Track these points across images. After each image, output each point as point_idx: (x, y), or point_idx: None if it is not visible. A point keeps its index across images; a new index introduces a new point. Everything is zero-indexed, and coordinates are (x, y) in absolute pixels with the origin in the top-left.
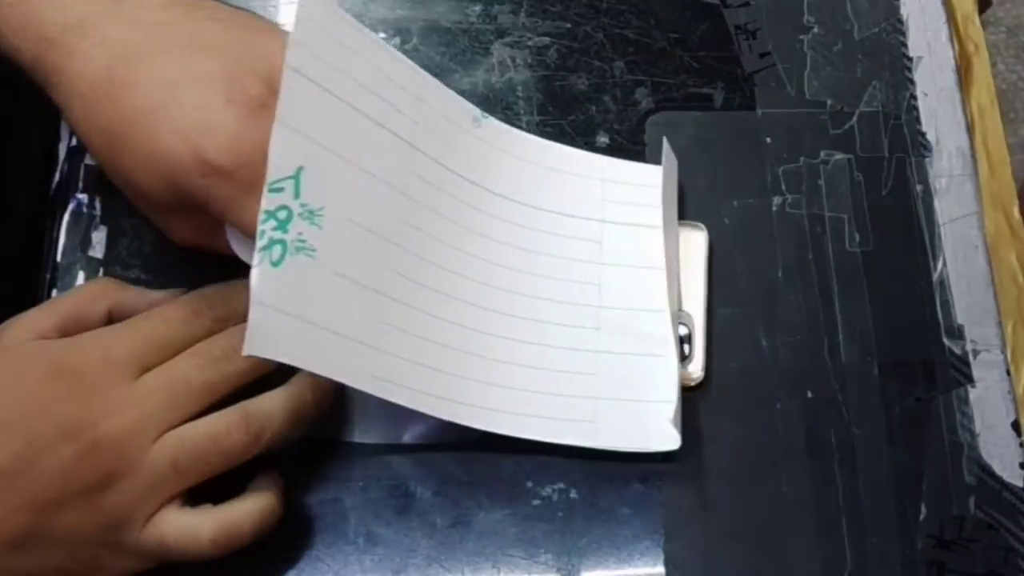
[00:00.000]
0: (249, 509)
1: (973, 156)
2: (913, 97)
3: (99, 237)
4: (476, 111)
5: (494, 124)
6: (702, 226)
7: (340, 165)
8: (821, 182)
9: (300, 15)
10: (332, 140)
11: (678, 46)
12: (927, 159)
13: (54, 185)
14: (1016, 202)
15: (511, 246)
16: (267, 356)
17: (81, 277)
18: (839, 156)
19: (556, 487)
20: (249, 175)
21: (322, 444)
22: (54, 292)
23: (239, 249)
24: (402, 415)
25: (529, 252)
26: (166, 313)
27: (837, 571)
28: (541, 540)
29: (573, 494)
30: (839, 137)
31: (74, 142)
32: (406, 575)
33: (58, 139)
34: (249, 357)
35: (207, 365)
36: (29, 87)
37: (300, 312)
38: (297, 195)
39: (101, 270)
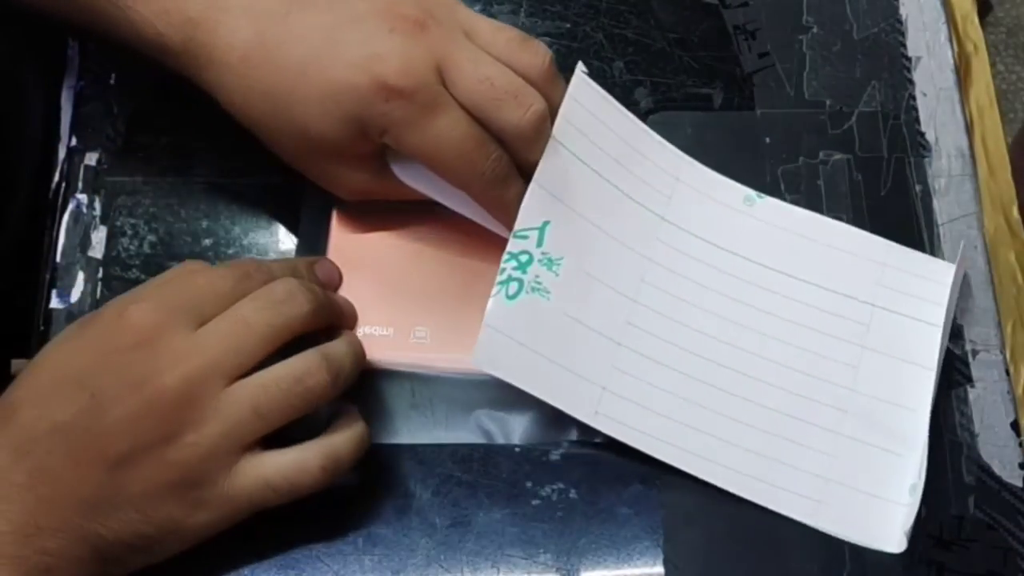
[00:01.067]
0: (347, 436)
1: (972, 156)
2: (912, 97)
3: (99, 237)
4: (749, 192)
5: (770, 202)
6: None
7: (585, 226)
8: (820, 182)
9: (571, 94)
10: (580, 204)
11: (677, 46)
12: (926, 159)
13: (53, 185)
14: (1015, 202)
15: (768, 313)
16: (490, 371)
17: (80, 277)
18: (838, 156)
19: (555, 487)
20: (426, 96)
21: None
22: (54, 292)
23: (408, 177)
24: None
25: (787, 321)
26: (219, 270)
27: (836, 571)
28: (540, 540)
29: (572, 494)
30: (838, 137)
31: (74, 142)
32: (405, 575)
33: (58, 139)
34: (311, 300)
35: (267, 307)
36: (29, 88)
37: (527, 341)
38: (540, 244)
39: (101, 270)
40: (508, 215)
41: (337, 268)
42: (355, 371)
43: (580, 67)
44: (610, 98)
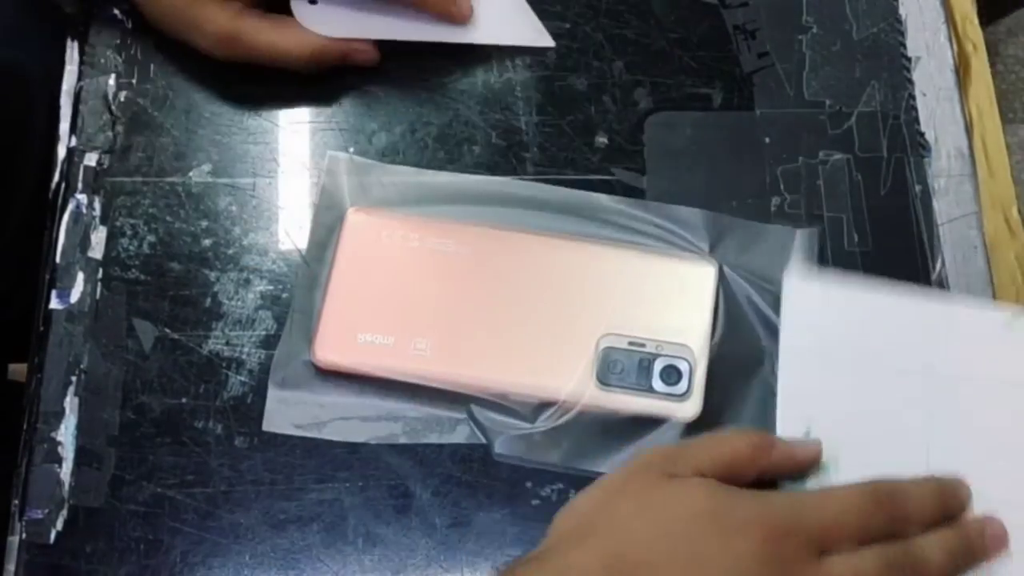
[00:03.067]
0: None
1: (972, 156)
2: (912, 97)
3: (98, 238)
4: (1007, 314)
5: None
6: (713, 261)
7: (848, 420)
8: (820, 182)
9: (786, 296)
10: (837, 398)
11: (677, 46)
12: (926, 159)
13: (53, 186)
14: (1015, 202)
15: None
16: None
17: (80, 278)
18: (838, 156)
19: (555, 487)
20: None
21: (320, 444)
22: (53, 292)
23: (316, 21)
24: None
25: None
26: (850, 499)
27: None
28: (540, 540)
29: (572, 494)
30: (838, 137)
31: (74, 142)
32: (405, 575)
33: (57, 140)
34: None
35: (894, 570)
36: (29, 88)
37: None
38: None
39: (100, 270)
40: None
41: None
42: None
43: (788, 281)
44: (826, 282)
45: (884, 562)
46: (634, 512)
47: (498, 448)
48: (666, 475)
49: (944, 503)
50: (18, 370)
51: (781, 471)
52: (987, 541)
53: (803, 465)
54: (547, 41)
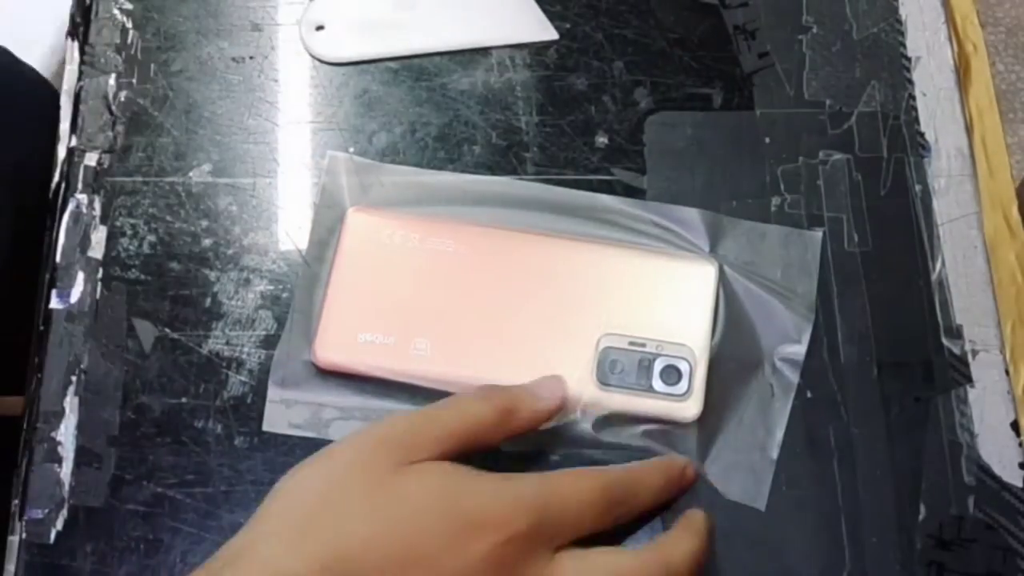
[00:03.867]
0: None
1: (972, 156)
2: (912, 97)
3: (98, 238)
4: None
5: None
6: (713, 261)
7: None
8: (820, 182)
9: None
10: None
11: (677, 46)
12: (926, 159)
13: (53, 186)
14: (1015, 202)
15: None
16: None
17: (80, 277)
18: (838, 156)
19: None
20: None
21: (319, 444)
22: (53, 292)
23: (315, 46)
24: None
25: None
26: (581, 494)
27: (836, 571)
28: None
29: None
30: (838, 137)
31: (74, 142)
32: None
33: (57, 139)
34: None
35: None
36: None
37: None
38: None
39: (100, 270)
40: None
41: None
42: None
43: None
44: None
45: (613, 555)
46: (359, 511)
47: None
48: (400, 463)
49: (670, 488)
50: (10, 403)
51: (531, 428)
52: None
53: (552, 413)
54: (551, 34)
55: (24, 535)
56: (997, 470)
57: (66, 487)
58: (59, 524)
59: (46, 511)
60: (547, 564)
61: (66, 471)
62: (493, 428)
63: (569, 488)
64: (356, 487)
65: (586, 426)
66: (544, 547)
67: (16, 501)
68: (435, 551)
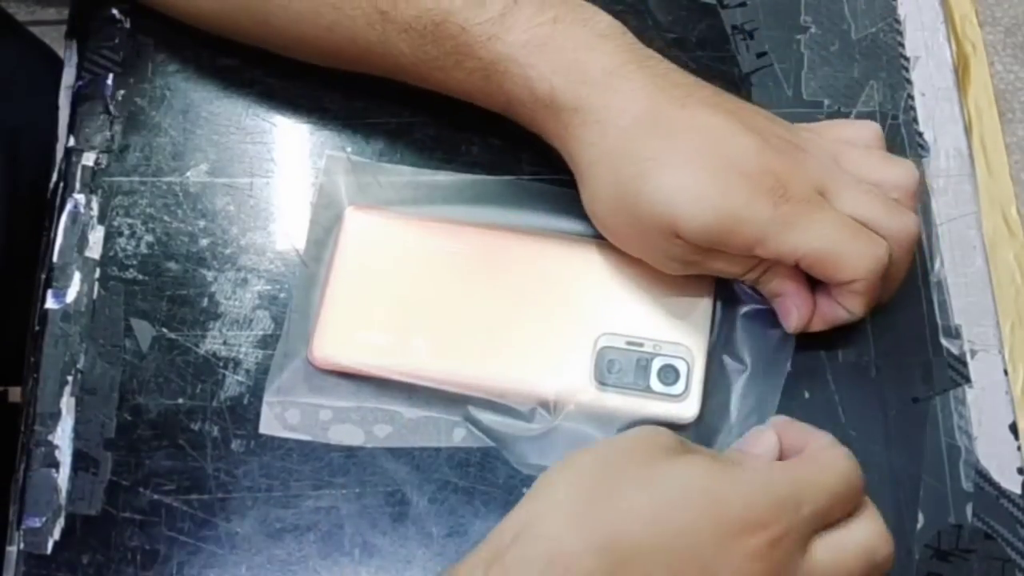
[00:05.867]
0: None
1: (971, 156)
2: (911, 97)
3: (96, 238)
4: None
5: None
6: None
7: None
8: None
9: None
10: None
11: (676, 46)
12: (925, 159)
13: (51, 186)
14: (1014, 202)
15: None
16: None
17: (77, 277)
18: None
19: None
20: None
21: (316, 447)
22: (49, 292)
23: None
24: None
25: None
26: (834, 486)
27: None
28: None
29: None
30: None
31: (72, 142)
32: None
33: (55, 139)
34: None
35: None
36: (27, 88)
37: None
38: None
39: (98, 270)
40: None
41: None
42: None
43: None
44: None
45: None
46: (635, 494)
47: (500, 449)
48: (673, 451)
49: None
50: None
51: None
52: None
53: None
54: None
55: (22, 545)
56: (995, 475)
57: (63, 494)
58: (56, 533)
59: (43, 519)
60: (804, 558)
61: (63, 476)
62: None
63: (823, 480)
64: (632, 470)
65: (584, 426)
66: (801, 543)
67: (14, 507)
68: (703, 545)
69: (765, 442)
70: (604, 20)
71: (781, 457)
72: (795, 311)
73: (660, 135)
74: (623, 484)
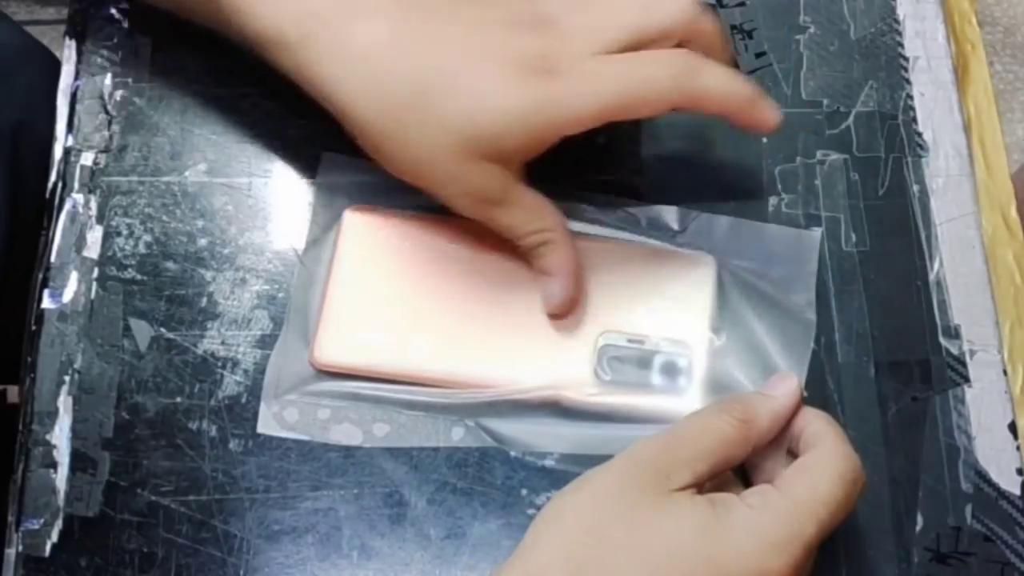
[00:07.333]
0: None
1: (970, 156)
2: (910, 97)
3: (94, 237)
4: None
5: None
6: (711, 258)
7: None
8: (817, 182)
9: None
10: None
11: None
12: (924, 159)
13: (49, 185)
14: (1013, 202)
15: None
16: None
17: (74, 277)
18: (835, 156)
19: (551, 495)
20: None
21: (314, 448)
22: (46, 292)
23: None
24: None
25: None
26: (824, 531)
27: None
28: None
29: None
30: (835, 137)
31: (70, 142)
32: None
33: (54, 139)
34: None
35: None
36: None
37: None
38: None
39: (96, 270)
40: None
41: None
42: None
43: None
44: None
45: None
46: (622, 550)
47: (502, 446)
48: (658, 491)
49: None
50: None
51: (772, 432)
52: None
53: (790, 410)
54: None
55: (20, 548)
56: (995, 476)
57: (61, 495)
58: (54, 536)
59: (42, 521)
60: None
61: (61, 477)
62: (737, 443)
63: (823, 494)
64: (617, 521)
65: (586, 424)
66: (814, 552)
67: (13, 509)
68: None
69: (786, 386)
70: None
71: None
72: (560, 293)
73: (416, 54)
74: (610, 552)
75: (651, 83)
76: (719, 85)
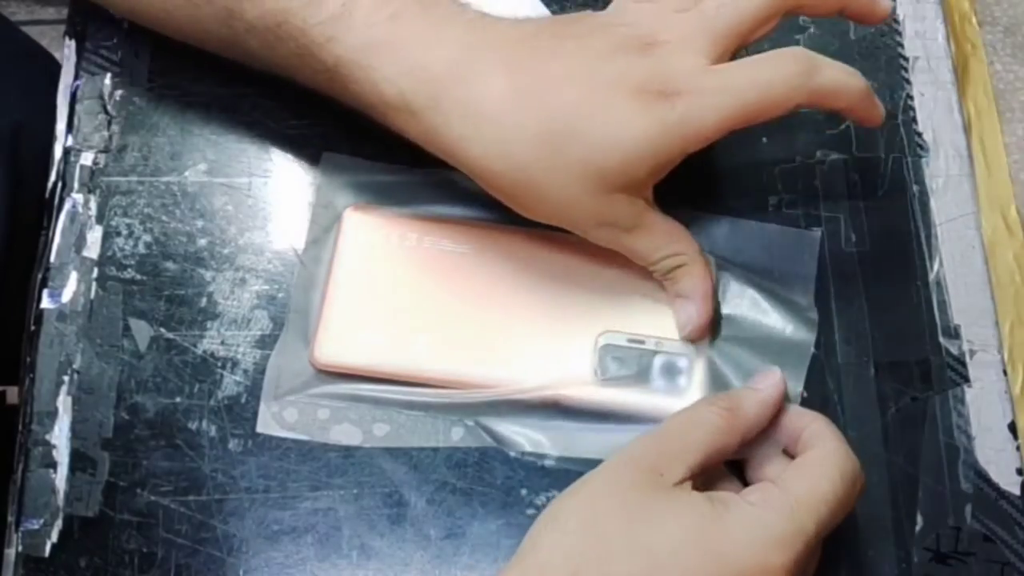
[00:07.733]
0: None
1: (970, 156)
2: (910, 97)
3: (94, 237)
4: None
5: None
6: (710, 258)
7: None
8: (817, 182)
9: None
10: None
11: None
12: (924, 159)
13: (49, 185)
14: (1013, 202)
15: None
16: None
17: (73, 277)
18: (835, 156)
19: (550, 495)
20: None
21: (314, 448)
22: (45, 292)
23: None
24: None
25: None
26: (828, 520)
27: None
28: None
29: None
30: (835, 137)
31: (70, 142)
32: None
33: (53, 139)
34: None
35: None
36: (25, 87)
37: None
38: None
39: (95, 270)
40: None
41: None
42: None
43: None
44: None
45: None
46: (623, 540)
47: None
48: (655, 487)
49: None
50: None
51: (760, 423)
52: None
53: (778, 401)
54: None
55: (20, 548)
56: (994, 476)
57: (61, 495)
58: (54, 536)
59: (41, 521)
60: None
61: (61, 477)
62: (726, 431)
63: (822, 492)
64: (615, 519)
65: (585, 424)
66: (815, 551)
67: (13, 509)
68: None
69: (771, 379)
70: (443, 2)
71: (782, 446)
72: (696, 318)
73: (540, 106)
74: (609, 551)
75: (770, 88)
76: (837, 80)
